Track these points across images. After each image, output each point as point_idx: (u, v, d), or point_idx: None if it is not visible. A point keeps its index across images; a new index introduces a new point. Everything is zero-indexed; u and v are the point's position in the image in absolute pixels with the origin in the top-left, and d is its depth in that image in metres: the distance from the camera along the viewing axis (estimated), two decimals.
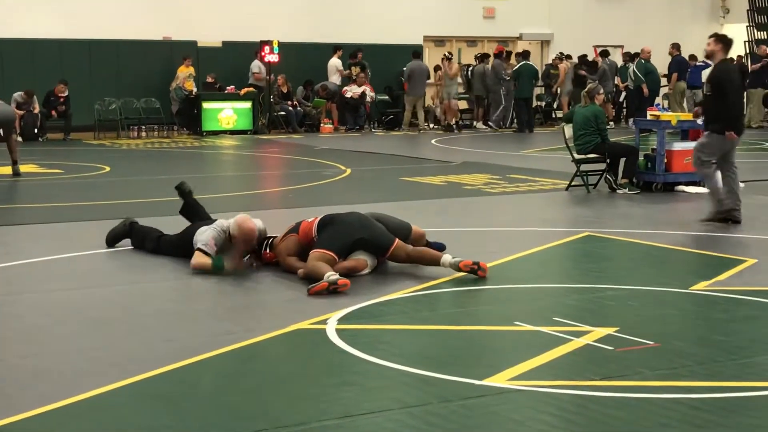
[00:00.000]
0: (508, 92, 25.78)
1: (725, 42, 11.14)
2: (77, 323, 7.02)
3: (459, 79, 26.35)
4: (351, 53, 25.56)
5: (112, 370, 5.71)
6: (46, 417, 5.00)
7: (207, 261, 8.51)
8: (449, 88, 25.62)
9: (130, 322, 7.00)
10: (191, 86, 23.84)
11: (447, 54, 25.51)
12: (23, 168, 15.37)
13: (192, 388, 5.59)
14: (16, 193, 14.02)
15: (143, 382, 5.55)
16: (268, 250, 8.63)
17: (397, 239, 8.27)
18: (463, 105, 27.09)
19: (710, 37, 11.29)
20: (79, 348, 6.34)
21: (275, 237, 8.66)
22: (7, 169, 15.24)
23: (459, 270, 8.02)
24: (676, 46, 26.75)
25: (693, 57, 26.77)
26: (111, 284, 8.24)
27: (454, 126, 25.44)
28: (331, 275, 7.60)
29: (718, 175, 10.95)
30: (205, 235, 8.67)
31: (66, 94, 22.26)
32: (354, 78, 25.25)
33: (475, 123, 26.69)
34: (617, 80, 27.15)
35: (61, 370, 5.88)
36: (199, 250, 8.64)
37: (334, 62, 25.34)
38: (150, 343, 6.44)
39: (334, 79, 25.24)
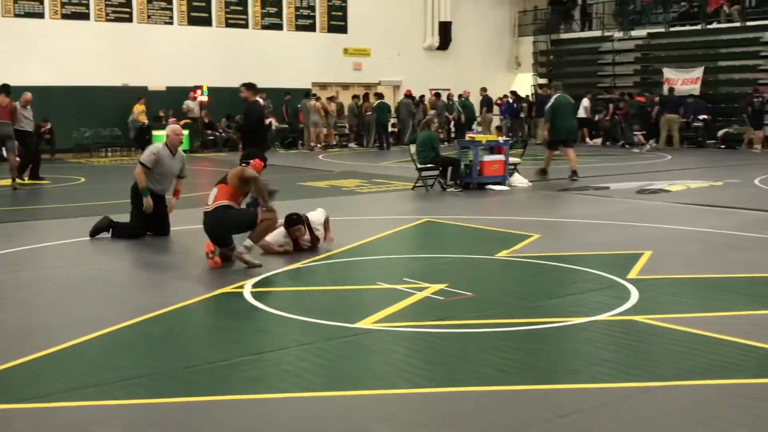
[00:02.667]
0: (370, 122, 25.91)
1: (253, 88, 11.24)
2: (59, 292, 6.79)
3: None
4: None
5: (84, 326, 5.54)
6: (35, 363, 4.83)
7: (142, 180, 8.98)
8: (330, 120, 25.63)
9: (99, 291, 6.80)
10: (144, 119, 23.34)
11: (333, 96, 25.51)
12: (19, 180, 14.80)
13: (145, 337, 5.46)
14: (16, 199, 13.46)
15: (108, 334, 5.40)
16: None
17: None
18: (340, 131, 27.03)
19: (242, 85, 11.34)
20: (59, 310, 6.13)
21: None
22: (7, 181, 14.68)
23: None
24: (484, 89, 27.24)
25: (504, 96, 27.54)
26: (86, 264, 7.99)
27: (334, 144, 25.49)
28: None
29: None
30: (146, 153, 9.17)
31: (48, 127, 21.61)
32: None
33: (350, 144, 26.63)
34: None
35: (46, 326, 5.69)
36: (140, 163, 9.08)
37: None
38: (113, 306, 6.26)
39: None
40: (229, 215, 7.68)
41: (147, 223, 9.21)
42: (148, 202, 9.08)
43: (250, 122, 11.01)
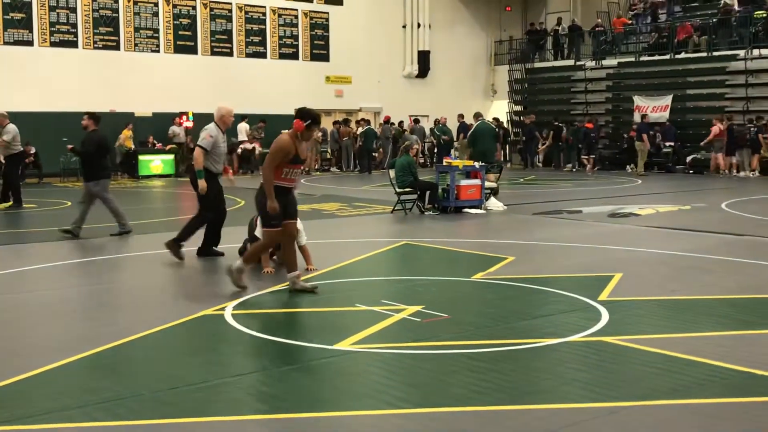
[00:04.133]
0: (348, 146, 26.06)
1: (95, 118, 11.34)
2: (41, 314, 6.71)
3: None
4: (259, 120, 25.17)
5: (66, 349, 5.48)
6: (18, 385, 4.77)
7: (200, 162, 8.91)
8: (315, 145, 25.86)
9: (81, 313, 6.74)
10: (130, 144, 23.27)
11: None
12: (4, 204, 14.73)
13: (126, 359, 5.40)
14: (3, 222, 13.36)
15: (89, 356, 5.35)
16: None
17: None
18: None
19: (85, 114, 11.48)
20: (41, 332, 6.06)
21: None
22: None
23: None
24: (461, 116, 27.39)
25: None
26: (68, 287, 7.93)
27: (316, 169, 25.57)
28: None
29: None
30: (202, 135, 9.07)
31: (33, 151, 21.49)
32: (248, 137, 25.00)
33: (331, 168, 26.69)
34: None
35: (28, 348, 5.62)
36: (199, 146, 9.01)
37: (243, 126, 25.01)
38: (95, 328, 6.21)
39: (242, 137, 24.88)
40: (257, 195, 7.43)
41: (213, 205, 9.27)
42: (202, 183, 9.11)
43: (87, 150, 11.17)
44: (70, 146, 11.87)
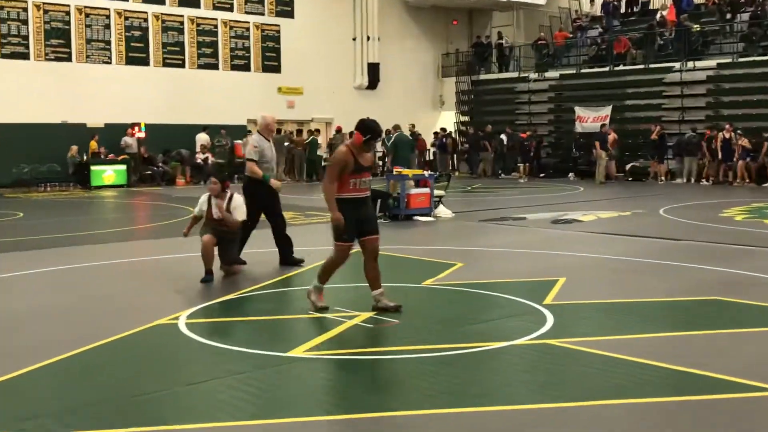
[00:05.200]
0: (300, 156, 26.08)
1: None
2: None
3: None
4: (218, 130, 24.90)
5: (20, 359, 5.35)
6: None
7: (258, 172, 8.87)
8: None
9: (36, 324, 6.58)
10: (75, 154, 23.00)
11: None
12: None
13: (80, 369, 5.29)
14: None
15: (41, 368, 5.22)
16: None
17: None
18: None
19: None
20: (5, 342, 5.93)
21: None
22: None
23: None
24: (412, 125, 27.50)
25: (435, 133, 28.02)
26: (24, 297, 7.73)
27: None
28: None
29: None
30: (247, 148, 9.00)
31: None
32: (202, 149, 24.77)
33: (283, 177, 26.54)
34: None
35: None
36: (249, 160, 8.99)
37: (202, 136, 24.76)
38: (47, 339, 6.05)
39: (201, 147, 24.70)
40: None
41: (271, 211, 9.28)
42: (275, 183, 9.14)
43: None
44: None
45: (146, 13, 25.40)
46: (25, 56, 23.14)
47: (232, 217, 8.40)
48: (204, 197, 8.58)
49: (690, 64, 24.85)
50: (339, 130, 27.16)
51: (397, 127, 17.75)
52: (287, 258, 9.27)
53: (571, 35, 30.32)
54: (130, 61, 25.07)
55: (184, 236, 8.79)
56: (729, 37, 25.90)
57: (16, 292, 8.04)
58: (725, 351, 5.56)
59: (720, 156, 21.75)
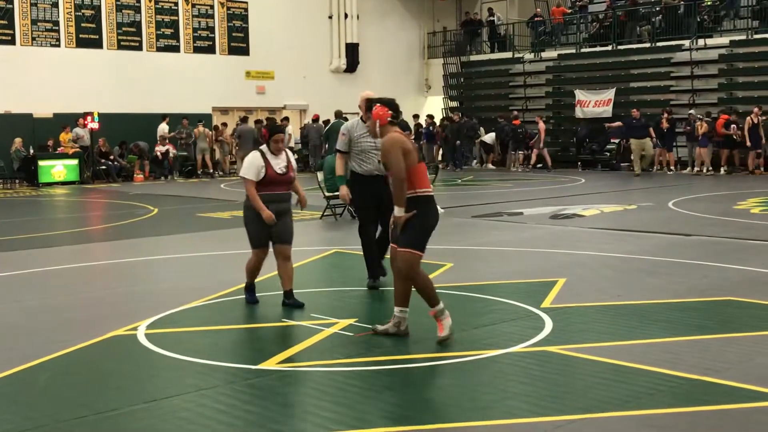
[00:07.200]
0: None
1: None
2: None
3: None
4: (180, 120, 24.94)
5: None
6: None
7: (340, 165, 8.21)
8: (225, 146, 26.09)
9: None
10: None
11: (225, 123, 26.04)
12: None
13: (27, 386, 5.24)
14: None
15: None
16: None
17: None
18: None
19: None
20: None
21: None
22: None
23: None
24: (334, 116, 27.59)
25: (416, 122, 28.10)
26: None
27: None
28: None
29: None
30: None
31: None
32: (161, 140, 24.70)
33: None
34: None
35: None
36: (338, 151, 8.24)
37: (163, 127, 24.72)
38: None
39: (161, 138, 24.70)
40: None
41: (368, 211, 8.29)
42: (342, 190, 8.20)
43: None
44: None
45: None
46: None
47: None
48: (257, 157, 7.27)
49: (701, 42, 24.97)
50: (316, 119, 27.13)
51: (338, 114, 18.26)
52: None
53: (569, 11, 30.41)
54: (81, 43, 24.94)
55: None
56: (743, 12, 26.05)
57: None
58: (742, 357, 5.60)
59: (748, 143, 21.69)
